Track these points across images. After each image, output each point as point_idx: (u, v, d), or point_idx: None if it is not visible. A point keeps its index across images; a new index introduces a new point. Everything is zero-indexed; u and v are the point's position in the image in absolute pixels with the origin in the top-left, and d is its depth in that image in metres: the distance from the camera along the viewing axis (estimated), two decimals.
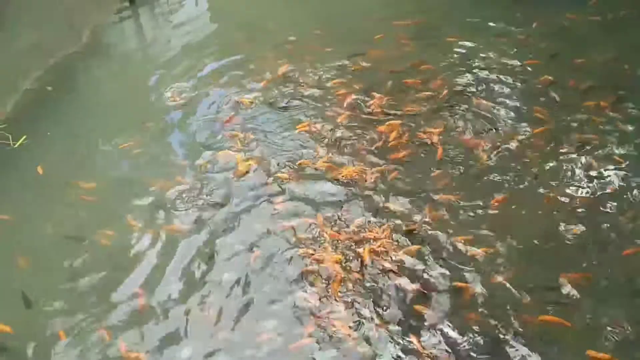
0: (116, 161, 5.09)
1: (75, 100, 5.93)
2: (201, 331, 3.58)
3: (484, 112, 5.11)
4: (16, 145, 5.27)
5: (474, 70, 5.70)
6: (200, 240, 4.19)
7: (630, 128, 4.77)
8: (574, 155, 4.55)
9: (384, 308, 3.58)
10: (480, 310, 3.52)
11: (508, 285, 3.63)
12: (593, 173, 4.38)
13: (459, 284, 3.66)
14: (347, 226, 4.11)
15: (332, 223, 4.16)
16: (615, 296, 3.55)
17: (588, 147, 4.62)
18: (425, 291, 3.63)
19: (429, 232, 4.02)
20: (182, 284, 3.89)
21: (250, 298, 3.74)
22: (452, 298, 3.60)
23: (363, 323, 3.50)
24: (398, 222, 4.12)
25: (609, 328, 3.35)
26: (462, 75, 5.64)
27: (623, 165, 4.41)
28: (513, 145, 4.72)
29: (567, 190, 4.25)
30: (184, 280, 3.92)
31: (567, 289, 3.57)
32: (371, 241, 3.95)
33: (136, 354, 3.48)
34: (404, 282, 3.70)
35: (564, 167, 4.46)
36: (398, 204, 4.27)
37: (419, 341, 3.37)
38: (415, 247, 3.91)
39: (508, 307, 3.51)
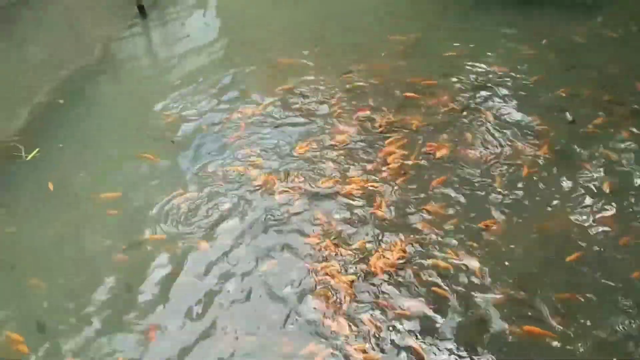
0: (127, 174, 5.08)
1: (86, 113, 5.94)
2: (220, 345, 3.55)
3: (491, 127, 5.09)
4: (28, 158, 5.29)
5: (482, 85, 5.69)
6: (216, 254, 4.16)
7: None
8: (587, 174, 4.52)
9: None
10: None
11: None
12: (606, 190, 4.35)
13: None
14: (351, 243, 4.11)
15: (337, 236, 4.16)
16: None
17: (602, 165, 4.59)
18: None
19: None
20: (196, 302, 3.85)
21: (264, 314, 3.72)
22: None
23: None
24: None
25: None
26: (469, 90, 5.63)
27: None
28: (520, 162, 4.69)
29: (578, 210, 4.20)
30: (198, 298, 3.87)
31: None
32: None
33: None
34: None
35: (574, 186, 4.42)
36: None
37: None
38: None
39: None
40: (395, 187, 4.54)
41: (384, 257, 3.93)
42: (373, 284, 3.81)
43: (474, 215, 4.24)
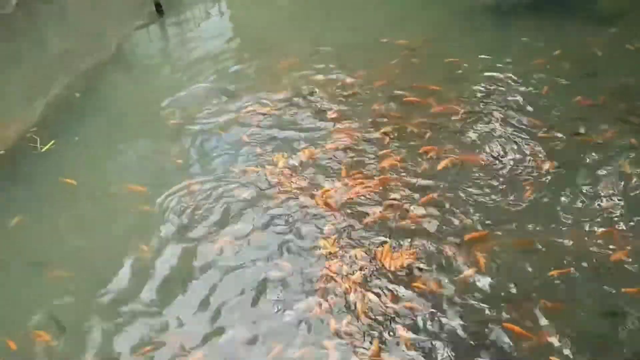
0: (140, 167, 5.16)
1: (101, 107, 6.05)
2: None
3: (501, 135, 5.06)
4: (43, 150, 5.38)
5: (490, 92, 5.68)
6: (243, 260, 4.12)
7: None
8: (596, 187, 4.44)
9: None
10: None
11: None
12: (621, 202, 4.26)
13: None
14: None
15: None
16: None
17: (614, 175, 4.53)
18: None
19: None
20: (216, 304, 3.81)
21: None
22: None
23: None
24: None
25: None
26: (477, 97, 5.63)
27: None
28: (526, 170, 4.66)
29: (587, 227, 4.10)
30: (220, 301, 3.83)
31: None
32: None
33: None
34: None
35: (581, 199, 4.33)
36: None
37: None
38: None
39: None
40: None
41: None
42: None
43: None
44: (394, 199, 4.44)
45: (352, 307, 3.66)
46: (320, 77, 6.20)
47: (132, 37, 7.57)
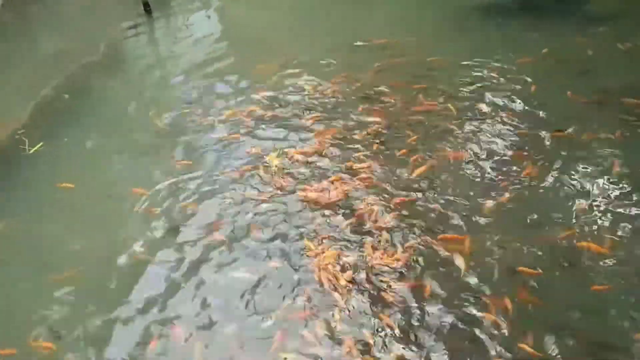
0: (129, 168, 5.19)
1: (90, 108, 6.05)
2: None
3: (495, 136, 5.07)
4: (31, 151, 5.38)
5: (477, 90, 5.71)
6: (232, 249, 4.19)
7: None
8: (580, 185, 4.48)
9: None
10: None
11: None
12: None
13: None
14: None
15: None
16: None
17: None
18: None
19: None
20: (222, 307, 3.82)
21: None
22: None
23: None
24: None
25: None
26: (465, 95, 5.67)
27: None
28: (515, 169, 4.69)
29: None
30: (226, 304, 3.85)
31: None
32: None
33: None
34: None
35: (564, 196, 4.37)
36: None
37: None
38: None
39: None
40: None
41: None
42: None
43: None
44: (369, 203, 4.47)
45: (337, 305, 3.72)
46: (304, 78, 6.18)
47: (120, 38, 7.57)
